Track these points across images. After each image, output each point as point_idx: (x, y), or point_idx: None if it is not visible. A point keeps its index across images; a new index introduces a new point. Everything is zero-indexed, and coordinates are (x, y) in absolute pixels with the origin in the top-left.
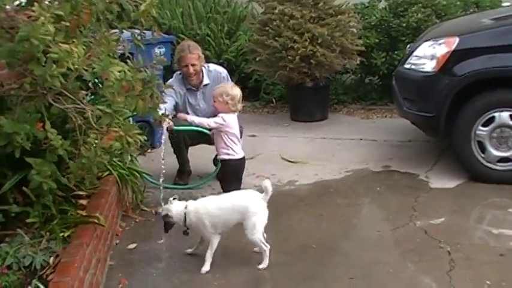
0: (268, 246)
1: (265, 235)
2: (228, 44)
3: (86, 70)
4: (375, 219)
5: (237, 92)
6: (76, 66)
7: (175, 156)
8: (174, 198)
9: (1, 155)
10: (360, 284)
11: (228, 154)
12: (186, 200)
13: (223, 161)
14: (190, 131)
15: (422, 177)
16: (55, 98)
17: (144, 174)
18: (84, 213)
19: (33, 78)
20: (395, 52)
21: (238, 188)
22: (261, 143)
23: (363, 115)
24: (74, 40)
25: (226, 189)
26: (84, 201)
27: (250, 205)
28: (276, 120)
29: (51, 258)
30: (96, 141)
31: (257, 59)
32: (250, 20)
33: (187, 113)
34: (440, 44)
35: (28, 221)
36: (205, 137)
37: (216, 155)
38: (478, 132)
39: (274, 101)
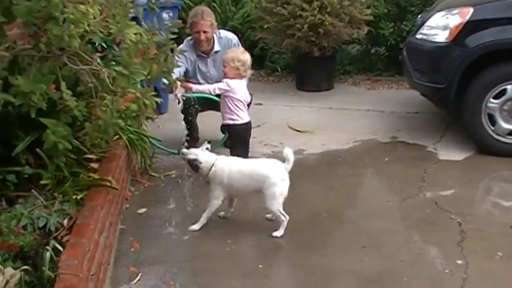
0: (287, 217)
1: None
2: (234, 10)
3: (101, 32)
4: (384, 190)
5: (247, 57)
6: (92, 27)
7: (183, 122)
8: (207, 148)
9: (13, 116)
10: (371, 252)
11: (232, 119)
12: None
13: (228, 126)
14: (200, 97)
15: (430, 148)
16: (69, 59)
17: (154, 140)
18: (96, 176)
19: (48, 38)
20: (404, 23)
21: (246, 153)
22: (267, 111)
23: (369, 86)
24: (90, 1)
25: (233, 154)
26: (95, 165)
27: (270, 174)
28: (282, 89)
29: (65, 220)
30: (112, 103)
31: (265, 26)
32: None
33: (197, 79)
34: (453, 14)
35: (42, 182)
36: (214, 104)
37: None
38: (489, 104)
39: (279, 69)
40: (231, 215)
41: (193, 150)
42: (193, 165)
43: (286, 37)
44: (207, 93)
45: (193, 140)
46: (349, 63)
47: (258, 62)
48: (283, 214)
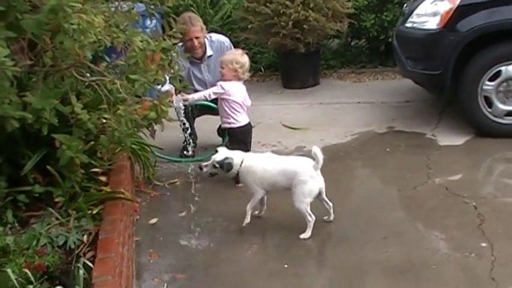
0: (314, 217)
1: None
2: (212, 13)
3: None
4: (393, 179)
5: (246, 59)
6: (99, 36)
7: (182, 129)
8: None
9: (17, 135)
10: (394, 242)
11: (229, 123)
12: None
13: (227, 129)
14: (197, 105)
15: (429, 135)
16: (76, 71)
17: (155, 149)
18: (108, 189)
19: (53, 52)
20: (385, 14)
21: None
22: (258, 111)
23: (354, 79)
24: (93, 10)
25: None
26: (103, 178)
27: (299, 172)
28: (268, 88)
29: (85, 237)
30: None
31: (248, 26)
32: None
33: (193, 86)
34: (443, 0)
35: (56, 200)
36: (212, 110)
37: (220, 125)
38: (484, 87)
39: (262, 69)
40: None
41: (218, 153)
42: (225, 165)
43: (271, 36)
44: (203, 100)
45: (190, 145)
46: (332, 58)
47: None
48: (309, 214)
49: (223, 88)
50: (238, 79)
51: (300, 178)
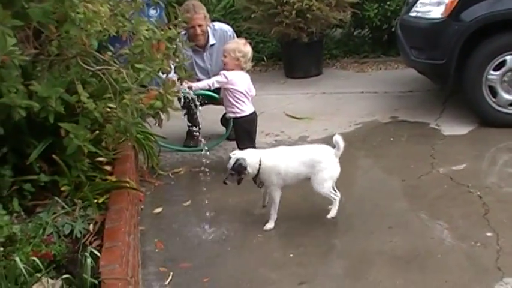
0: (339, 194)
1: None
2: (215, 2)
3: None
4: (397, 169)
5: (249, 49)
6: (105, 26)
7: (185, 119)
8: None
9: (23, 124)
10: (399, 232)
11: (234, 112)
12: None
13: (231, 119)
14: (200, 94)
15: (433, 125)
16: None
17: (159, 138)
18: (114, 178)
19: (59, 41)
20: (388, 3)
21: (251, 145)
22: (261, 101)
23: (357, 68)
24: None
25: (239, 146)
26: (107, 167)
27: (320, 159)
28: (271, 77)
29: (91, 226)
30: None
31: (252, 16)
32: None
33: (196, 75)
34: None
35: (62, 189)
36: (215, 100)
37: (224, 115)
38: (489, 76)
39: (265, 59)
40: (251, 207)
41: (231, 159)
42: (237, 167)
43: (274, 25)
44: (206, 89)
45: (194, 134)
46: (335, 48)
47: None
48: (333, 194)
49: (226, 77)
50: (241, 68)
51: (322, 165)
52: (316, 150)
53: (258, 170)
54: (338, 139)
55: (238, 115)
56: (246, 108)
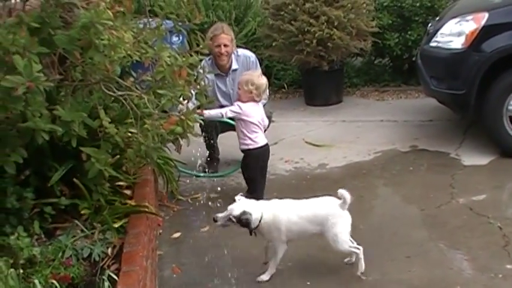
0: (361, 248)
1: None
2: (237, 30)
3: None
4: (416, 198)
5: (263, 81)
6: (128, 52)
7: (204, 143)
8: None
9: (45, 148)
10: (417, 262)
11: (246, 144)
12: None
13: (242, 151)
14: (217, 121)
15: (453, 155)
16: (106, 86)
17: (178, 164)
18: (133, 202)
19: (82, 67)
20: (409, 32)
21: (261, 176)
22: (280, 128)
23: (377, 97)
24: (123, 26)
25: (246, 177)
26: (127, 191)
27: (327, 215)
28: (291, 105)
29: (109, 249)
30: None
31: (273, 44)
32: (262, 5)
33: (218, 99)
34: (468, 20)
35: (82, 212)
36: (233, 126)
37: None
38: (509, 107)
39: (286, 86)
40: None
41: (235, 204)
42: (243, 221)
43: (295, 53)
44: (219, 117)
45: (214, 160)
46: (356, 76)
47: None
48: (355, 248)
49: (241, 109)
50: (254, 100)
51: (332, 221)
52: (319, 205)
53: (257, 225)
54: (344, 193)
55: (251, 146)
56: (259, 140)
